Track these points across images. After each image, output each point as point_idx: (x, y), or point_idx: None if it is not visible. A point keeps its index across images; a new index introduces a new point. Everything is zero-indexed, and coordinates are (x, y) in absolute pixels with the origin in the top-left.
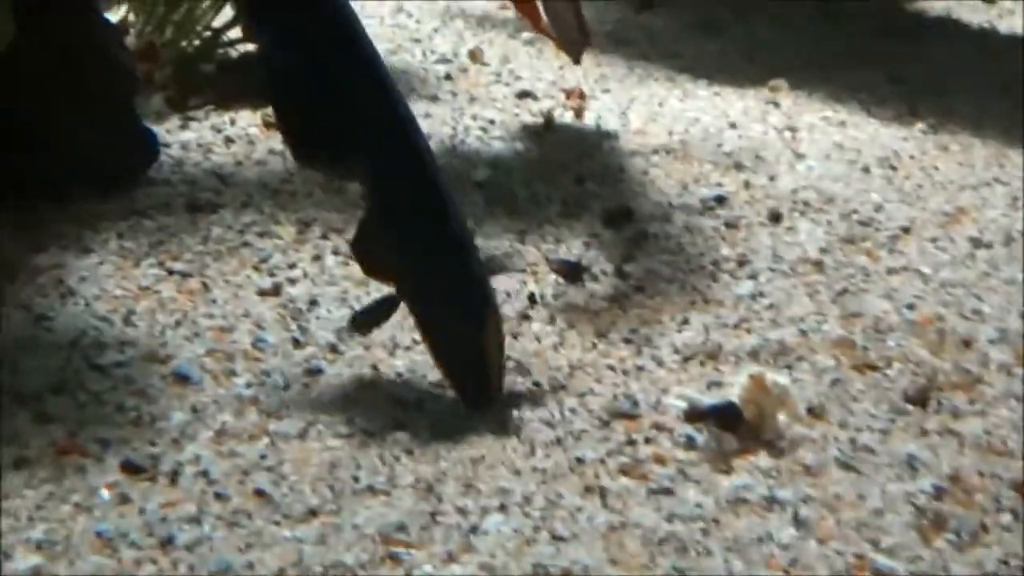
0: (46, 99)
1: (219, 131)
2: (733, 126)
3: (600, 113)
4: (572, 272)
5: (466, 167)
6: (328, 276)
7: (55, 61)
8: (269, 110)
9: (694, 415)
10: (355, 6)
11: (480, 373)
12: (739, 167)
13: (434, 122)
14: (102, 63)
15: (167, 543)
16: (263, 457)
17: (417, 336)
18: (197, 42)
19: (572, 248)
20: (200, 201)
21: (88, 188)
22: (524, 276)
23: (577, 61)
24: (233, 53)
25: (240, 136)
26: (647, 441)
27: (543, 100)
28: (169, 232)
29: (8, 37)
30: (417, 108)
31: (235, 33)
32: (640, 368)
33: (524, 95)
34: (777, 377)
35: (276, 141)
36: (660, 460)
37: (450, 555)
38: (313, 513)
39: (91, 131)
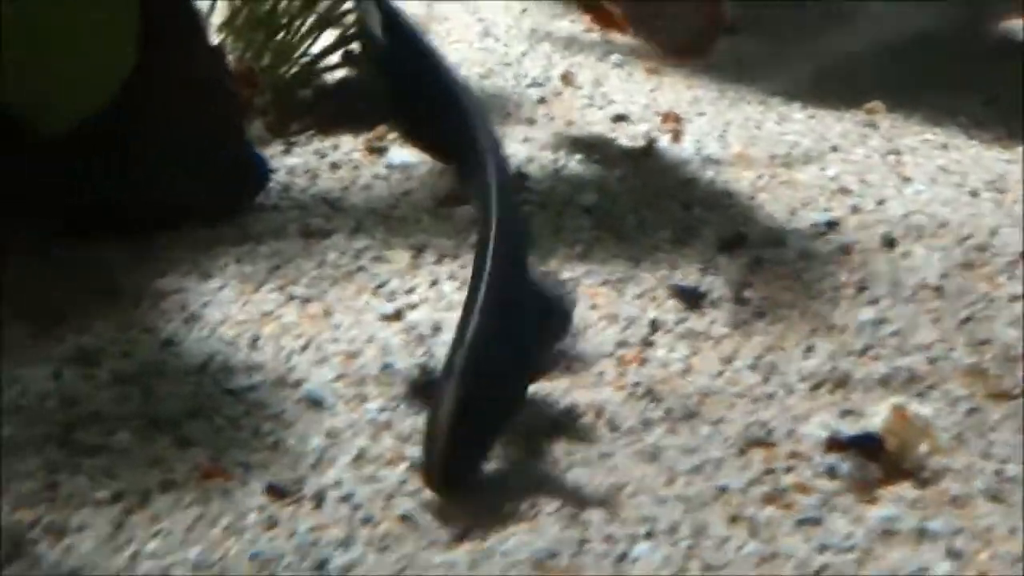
0: (159, 125)
1: (323, 156)
2: (835, 149)
3: (698, 137)
4: (692, 298)
5: (571, 191)
6: (447, 302)
7: (168, 87)
8: (371, 135)
9: (836, 445)
10: (441, 30)
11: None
12: (845, 191)
13: (533, 146)
14: (213, 89)
15: (321, 567)
16: (403, 482)
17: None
18: (295, 68)
19: (688, 274)
20: (312, 227)
21: (201, 214)
22: (644, 302)
23: (702, 55)
24: (330, 79)
25: (344, 161)
26: (787, 470)
27: (638, 124)
28: (285, 257)
29: (131, 66)
30: (516, 132)
31: (332, 59)
32: (770, 396)
33: (619, 118)
34: (919, 408)
35: (380, 166)
36: (803, 490)
37: None
38: (459, 538)
39: (204, 157)
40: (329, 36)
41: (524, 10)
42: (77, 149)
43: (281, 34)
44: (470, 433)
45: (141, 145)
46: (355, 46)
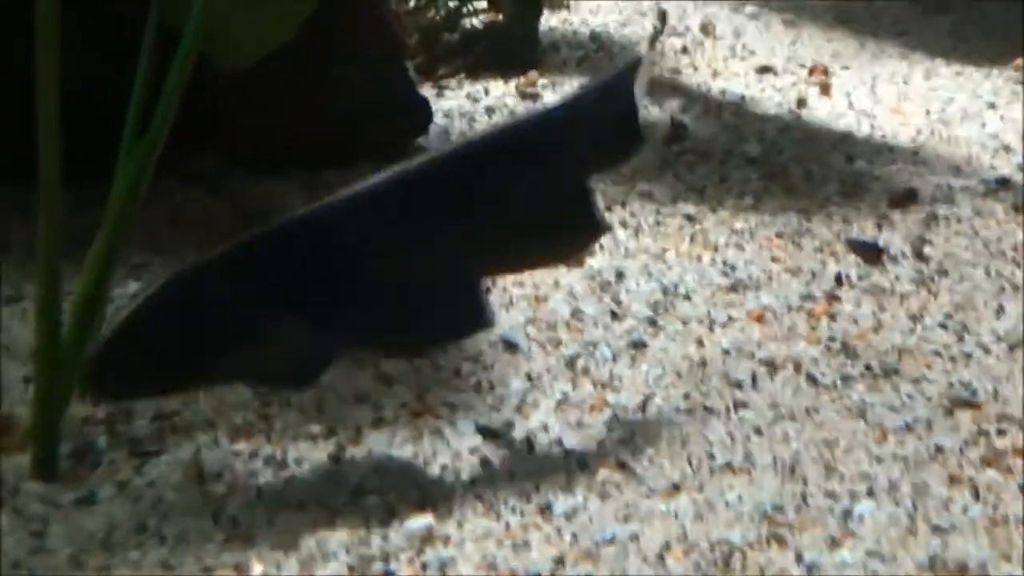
0: (333, 63)
1: (476, 100)
2: (992, 106)
3: (847, 90)
4: (871, 253)
5: (732, 142)
6: (623, 249)
7: (341, 28)
8: (523, 80)
9: None
10: None
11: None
12: (1008, 149)
13: (684, 96)
14: (382, 31)
15: (546, 510)
16: (612, 429)
17: (735, 313)
18: (442, 11)
19: (864, 228)
20: None
21: (368, 151)
22: (824, 256)
23: None
24: (478, 23)
25: (498, 106)
26: (999, 433)
27: (783, 75)
28: None
29: (313, 5)
30: (663, 81)
31: (479, 3)
32: (967, 355)
33: (764, 70)
34: None
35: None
36: (1020, 453)
37: (833, 540)
38: (677, 488)
39: (372, 96)
40: None
41: None
42: (255, 85)
43: None
44: (154, 343)
45: (315, 82)
46: None
